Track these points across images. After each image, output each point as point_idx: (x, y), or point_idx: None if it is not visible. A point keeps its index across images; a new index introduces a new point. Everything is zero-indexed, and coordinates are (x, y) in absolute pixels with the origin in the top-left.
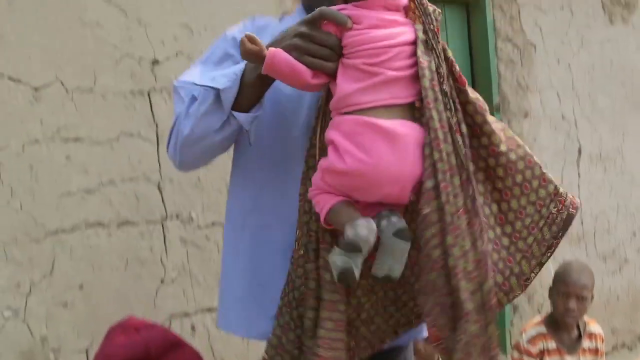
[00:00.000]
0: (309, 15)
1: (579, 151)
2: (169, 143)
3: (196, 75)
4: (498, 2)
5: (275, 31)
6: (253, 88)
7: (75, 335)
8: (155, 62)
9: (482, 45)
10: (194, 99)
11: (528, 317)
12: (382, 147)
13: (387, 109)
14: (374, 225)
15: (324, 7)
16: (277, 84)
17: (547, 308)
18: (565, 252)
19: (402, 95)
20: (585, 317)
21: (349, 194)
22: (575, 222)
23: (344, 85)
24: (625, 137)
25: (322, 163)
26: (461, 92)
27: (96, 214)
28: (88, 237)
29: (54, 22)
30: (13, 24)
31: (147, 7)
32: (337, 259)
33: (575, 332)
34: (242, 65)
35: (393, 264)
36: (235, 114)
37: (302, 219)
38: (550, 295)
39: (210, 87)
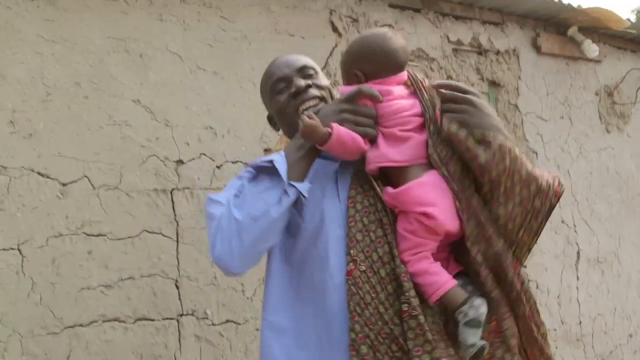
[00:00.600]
0: (349, 93)
1: (578, 255)
2: (214, 246)
3: (224, 193)
4: (502, 111)
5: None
6: (299, 164)
7: None
8: (179, 162)
9: None
10: (236, 195)
11: None
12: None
13: (421, 166)
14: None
15: (362, 86)
16: None
17: None
18: (564, 353)
19: (424, 155)
20: None
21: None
22: (574, 324)
23: (385, 147)
24: (621, 241)
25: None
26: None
27: (114, 309)
28: (105, 331)
29: (85, 120)
30: (46, 121)
31: (174, 109)
32: (468, 337)
33: None
34: (281, 152)
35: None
36: (294, 183)
37: None
38: None
39: (265, 164)
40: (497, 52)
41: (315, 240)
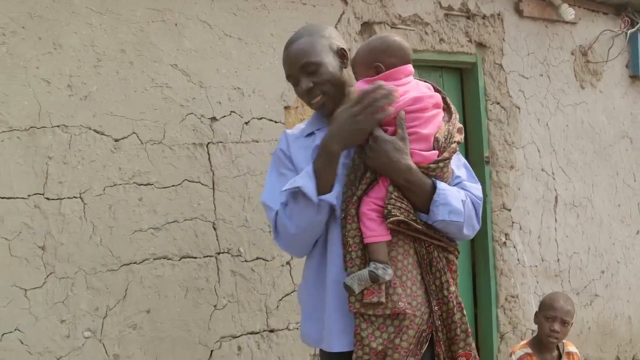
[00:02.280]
0: (362, 93)
1: (556, 199)
2: (277, 241)
3: (270, 190)
4: (488, 70)
5: (302, 141)
6: (326, 177)
7: (143, 354)
8: (213, 119)
9: (474, 106)
10: (284, 204)
11: (513, 344)
12: None
13: None
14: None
15: (375, 84)
16: None
17: (529, 336)
18: (544, 286)
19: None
20: (564, 340)
21: None
22: (553, 261)
23: None
24: (594, 187)
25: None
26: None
27: (162, 248)
28: (155, 268)
29: (132, 83)
30: (99, 84)
31: (206, 72)
32: (356, 281)
33: (556, 353)
34: (310, 165)
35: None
36: (322, 197)
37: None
38: (536, 320)
39: (295, 189)
40: (484, 17)
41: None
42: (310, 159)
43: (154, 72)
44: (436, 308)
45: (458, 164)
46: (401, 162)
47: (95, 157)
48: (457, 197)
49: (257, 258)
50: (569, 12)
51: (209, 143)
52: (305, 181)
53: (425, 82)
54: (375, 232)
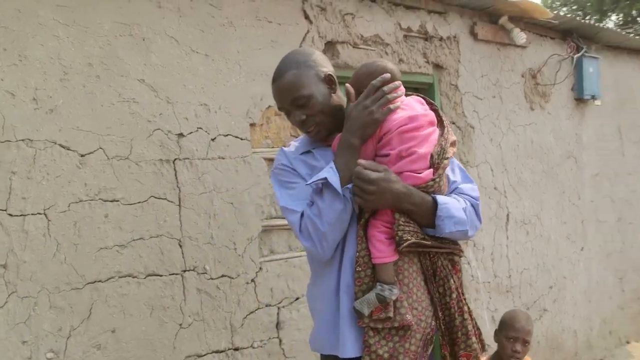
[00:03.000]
0: (367, 90)
1: (507, 217)
2: (303, 241)
3: (287, 197)
4: (444, 90)
5: (300, 158)
6: (349, 169)
7: None
8: (180, 135)
9: None
10: (310, 204)
11: None
12: None
13: None
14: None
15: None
16: None
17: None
18: (496, 302)
19: None
20: None
21: None
22: (504, 277)
23: None
24: (543, 205)
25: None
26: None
27: (128, 266)
28: (121, 286)
29: (99, 98)
30: (65, 98)
31: (173, 87)
32: (365, 304)
33: None
34: (331, 163)
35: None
36: (348, 186)
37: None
38: (497, 339)
39: (319, 180)
40: (441, 39)
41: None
42: (311, 173)
43: (121, 86)
44: (440, 314)
45: (452, 167)
46: (402, 191)
47: (60, 173)
48: (458, 207)
49: (223, 275)
50: (520, 37)
51: (175, 159)
52: (330, 174)
53: (418, 95)
54: (384, 254)
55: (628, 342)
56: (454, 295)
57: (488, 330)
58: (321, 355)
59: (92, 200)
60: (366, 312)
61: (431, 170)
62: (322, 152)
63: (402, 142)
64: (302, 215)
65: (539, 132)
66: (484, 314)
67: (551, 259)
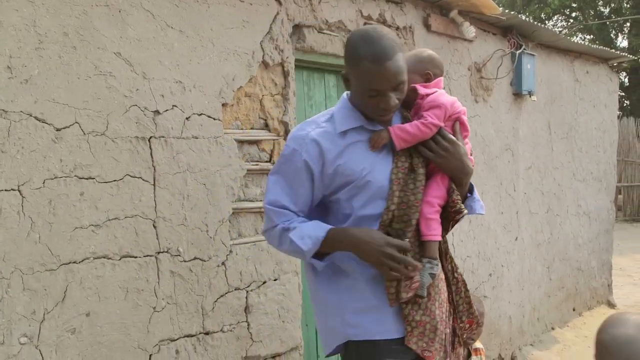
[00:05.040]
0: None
1: None
2: (266, 238)
3: (278, 196)
4: None
5: (338, 141)
6: (328, 250)
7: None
8: (156, 112)
9: None
10: (285, 229)
11: None
12: None
13: None
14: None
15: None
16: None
17: None
18: None
19: None
20: None
21: None
22: None
23: None
24: (483, 195)
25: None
26: None
27: (103, 247)
28: (96, 267)
29: (75, 70)
30: (40, 68)
31: (149, 63)
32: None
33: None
34: (324, 232)
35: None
36: (312, 260)
37: None
38: None
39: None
40: (397, 28)
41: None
42: (360, 157)
43: (97, 59)
44: (453, 288)
45: None
46: (466, 162)
47: (35, 147)
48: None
49: (195, 258)
50: (470, 31)
51: (151, 137)
52: (309, 247)
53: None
54: (435, 232)
55: (553, 329)
56: (459, 271)
57: None
58: (346, 345)
59: (67, 177)
60: (425, 293)
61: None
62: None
63: (465, 128)
64: (274, 227)
65: (482, 125)
66: None
67: (490, 248)
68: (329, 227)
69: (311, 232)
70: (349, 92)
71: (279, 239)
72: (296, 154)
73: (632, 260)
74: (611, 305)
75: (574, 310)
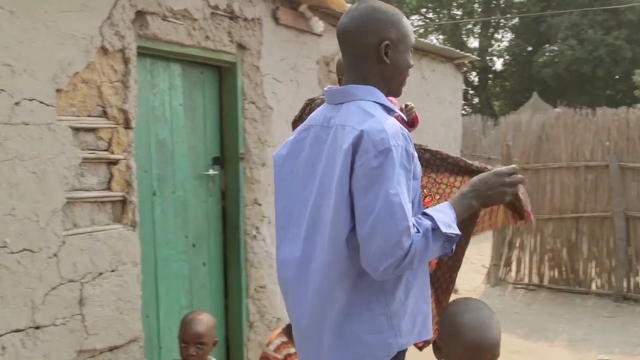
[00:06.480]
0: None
1: None
2: (380, 262)
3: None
4: (246, 70)
5: None
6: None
7: None
8: None
9: (231, 105)
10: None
11: (261, 332)
12: None
13: None
14: None
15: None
16: None
17: (274, 325)
18: None
19: None
20: None
21: None
22: None
23: None
24: None
25: None
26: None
27: None
28: None
29: None
30: None
31: None
32: None
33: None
34: (450, 209)
35: None
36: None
37: None
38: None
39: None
40: (245, 19)
41: None
42: None
43: None
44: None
45: None
46: None
47: None
48: None
49: (24, 250)
50: (318, 25)
51: None
52: (458, 230)
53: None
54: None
55: None
56: None
57: (280, 304)
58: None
59: None
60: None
61: None
62: None
63: None
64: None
65: None
66: (277, 289)
67: None
68: (444, 203)
69: (443, 217)
70: (370, 86)
71: (426, 242)
72: (401, 147)
73: (476, 249)
74: (454, 291)
75: None
